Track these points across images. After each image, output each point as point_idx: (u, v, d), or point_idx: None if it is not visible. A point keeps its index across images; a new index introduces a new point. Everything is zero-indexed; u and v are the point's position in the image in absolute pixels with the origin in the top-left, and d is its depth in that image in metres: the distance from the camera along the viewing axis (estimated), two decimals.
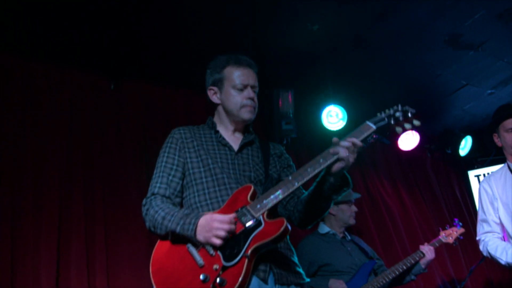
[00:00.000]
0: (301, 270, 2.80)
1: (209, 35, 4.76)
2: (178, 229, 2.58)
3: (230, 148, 2.98)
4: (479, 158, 8.02)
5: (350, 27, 4.97)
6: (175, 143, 2.96)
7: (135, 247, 4.62)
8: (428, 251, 4.96)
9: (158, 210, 2.73)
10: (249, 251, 2.46)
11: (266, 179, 2.94)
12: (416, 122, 2.83)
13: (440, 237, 5.21)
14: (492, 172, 4.38)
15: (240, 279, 2.41)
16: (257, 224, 2.55)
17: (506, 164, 4.19)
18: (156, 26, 4.58)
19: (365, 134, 2.75)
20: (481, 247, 4.20)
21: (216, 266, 2.47)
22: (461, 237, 5.26)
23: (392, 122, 2.84)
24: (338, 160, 2.60)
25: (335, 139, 2.64)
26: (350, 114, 5.93)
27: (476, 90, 6.52)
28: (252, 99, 2.97)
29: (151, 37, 4.71)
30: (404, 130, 2.84)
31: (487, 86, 6.48)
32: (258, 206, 2.60)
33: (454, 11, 4.90)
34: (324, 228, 5.11)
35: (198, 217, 2.58)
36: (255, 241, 2.49)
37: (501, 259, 3.94)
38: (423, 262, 4.93)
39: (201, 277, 2.43)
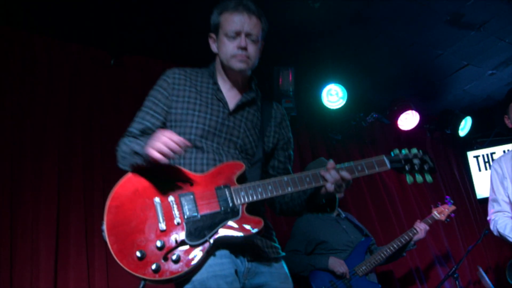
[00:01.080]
0: (276, 244, 2.65)
1: (208, 9, 4.63)
2: (137, 148, 2.35)
3: (225, 105, 2.66)
4: (478, 139, 7.97)
5: (350, 3, 4.90)
6: (165, 87, 2.64)
7: None
8: (422, 229, 4.98)
9: (127, 142, 2.47)
10: (213, 239, 2.31)
11: (255, 151, 2.69)
12: (429, 179, 2.72)
13: (432, 214, 5.24)
14: (503, 153, 4.44)
15: (195, 262, 2.26)
16: (234, 213, 2.38)
17: None
18: (155, 2, 4.49)
19: (377, 170, 2.65)
20: (491, 227, 4.21)
21: (175, 237, 2.27)
22: (453, 214, 5.31)
23: (407, 167, 2.69)
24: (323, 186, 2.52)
25: (331, 164, 2.53)
26: (350, 93, 5.88)
27: (477, 70, 6.45)
28: (243, 48, 2.60)
29: (150, 13, 4.65)
30: (414, 181, 2.71)
31: (488, 66, 6.41)
32: (242, 193, 2.42)
33: None
34: None
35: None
36: (225, 231, 2.34)
37: (510, 237, 3.97)
38: (414, 239, 4.95)
39: (158, 243, 2.24)
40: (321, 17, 4.92)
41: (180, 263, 2.25)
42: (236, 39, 2.61)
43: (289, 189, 2.48)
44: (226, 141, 2.60)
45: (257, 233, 2.36)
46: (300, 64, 5.66)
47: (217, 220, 2.34)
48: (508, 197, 4.11)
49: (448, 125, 7.28)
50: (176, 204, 2.34)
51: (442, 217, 5.21)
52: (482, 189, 7.64)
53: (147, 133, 2.53)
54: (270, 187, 2.46)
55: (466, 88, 6.94)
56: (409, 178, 2.69)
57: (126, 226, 2.28)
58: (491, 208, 4.24)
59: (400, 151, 2.74)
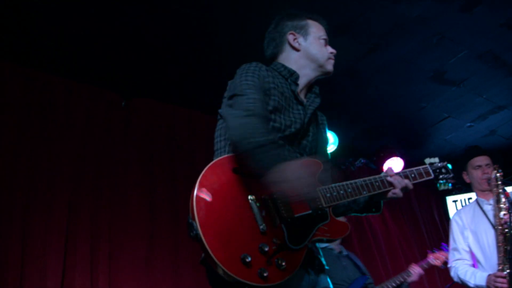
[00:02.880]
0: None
1: (215, 58, 4.77)
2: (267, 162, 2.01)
3: (305, 109, 2.46)
4: (457, 185, 7.99)
5: (343, 58, 4.91)
6: (262, 78, 2.35)
7: (136, 252, 4.61)
8: (417, 272, 5.01)
9: (262, 136, 2.05)
10: (312, 241, 2.13)
11: (323, 155, 2.55)
12: (447, 186, 2.86)
13: (428, 259, 5.23)
14: (462, 207, 4.59)
15: (298, 267, 2.04)
16: (323, 215, 2.20)
17: (475, 200, 4.35)
18: (164, 51, 4.63)
19: (425, 178, 2.69)
20: (452, 273, 4.30)
21: (276, 240, 2.00)
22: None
23: (441, 176, 2.81)
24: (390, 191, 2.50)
25: (392, 170, 2.54)
26: (340, 139, 5.95)
27: (456, 122, 6.56)
28: (333, 54, 2.60)
29: (161, 61, 4.75)
30: (446, 187, 2.86)
31: (467, 119, 6.52)
32: (328, 195, 2.22)
33: (439, 49, 4.98)
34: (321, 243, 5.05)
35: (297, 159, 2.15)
36: (319, 233, 2.15)
37: (470, 282, 4.01)
38: (408, 281, 4.98)
39: (263, 246, 1.95)
40: None
41: (284, 268, 1.98)
42: (327, 46, 2.60)
43: (364, 192, 2.37)
44: (302, 144, 2.43)
45: (345, 236, 2.27)
46: None
47: (311, 223, 2.15)
48: (468, 246, 4.21)
49: None
50: (272, 204, 2.08)
51: (438, 262, 5.19)
52: None
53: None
54: (349, 190, 2.32)
55: (447, 138, 7.03)
56: (444, 185, 2.81)
57: (224, 225, 1.96)
58: (452, 256, 4.33)
59: (433, 162, 2.80)
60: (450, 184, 2.85)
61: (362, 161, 6.77)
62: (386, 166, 6.81)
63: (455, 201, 7.86)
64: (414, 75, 5.39)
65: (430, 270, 6.91)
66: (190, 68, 4.88)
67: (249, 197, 2.04)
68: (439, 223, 7.87)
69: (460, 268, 4.17)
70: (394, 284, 4.84)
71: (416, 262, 5.25)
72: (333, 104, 5.69)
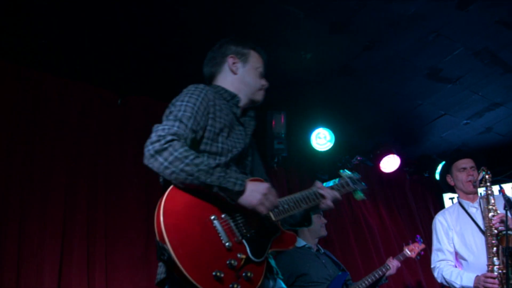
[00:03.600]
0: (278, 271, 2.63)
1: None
2: (218, 183, 2.14)
3: (246, 129, 2.64)
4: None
5: (339, 56, 5.01)
6: (206, 103, 2.43)
7: (132, 250, 4.60)
8: (394, 265, 5.10)
9: (185, 157, 2.14)
10: (269, 253, 2.33)
11: (259, 173, 2.71)
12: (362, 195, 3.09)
13: (403, 251, 5.32)
14: (445, 209, 4.61)
15: (261, 278, 2.20)
16: (274, 229, 2.40)
17: (458, 202, 4.40)
18: (161, 50, 4.61)
19: (347, 190, 2.94)
20: (435, 274, 4.29)
21: (241, 256, 2.15)
22: (422, 252, 5.36)
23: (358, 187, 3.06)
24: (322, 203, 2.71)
25: (320, 184, 2.75)
26: (337, 136, 5.95)
27: (453, 119, 6.53)
28: (265, 86, 2.79)
29: (156, 58, 4.73)
30: (361, 197, 3.08)
31: (463, 116, 6.49)
32: (276, 210, 2.37)
33: (435, 46, 4.95)
34: (300, 242, 5.05)
35: (246, 178, 2.26)
36: (274, 245, 2.36)
37: (456, 283, 4.01)
38: (386, 274, 5.05)
39: (231, 261, 2.09)
40: (312, 67, 5.04)
41: (251, 281, 2.14)
42: (261, 78, 2.79)
43: (304, 205, 2.57)
44: (244, 163, 2.59)
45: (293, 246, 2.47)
46: (292, 109, 5.73)
47: (266, 236, 2.34)
48: (453, 246, 4.21)
49: (426, 169, 7.39)
50: (232, 221, 2.23)
51: (413, 254, 5.28)
52: None
53: (192, 134, 2.30)
54: (292, 204, 2.49)
55: (443, 136, 7.01)
56: (359, 195, 3.03)
57: (192, 246, 2.04)
58: (435, 257, 4.32)
59: (345, 171, 3.06)
60: (362, 194, 3.07)
61: (359, 158, 6.76)
62: (382, 163, 6.82)
63: (451, 198, 7.83)
64: (410, 72, 5.36)
65: (411, 260, 6.99)
66: (187, 66, 4.84)
67: (211, 217, 2.17)
68: None
69: (444, 269, 4.16)
70: (374, 278, 4.88)
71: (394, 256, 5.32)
72: (329, 102, 5.72)
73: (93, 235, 4.46)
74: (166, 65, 4.83)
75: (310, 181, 6.83)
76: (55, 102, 4.63)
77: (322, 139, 5.96)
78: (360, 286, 4.76)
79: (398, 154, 6.77)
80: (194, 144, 2.33)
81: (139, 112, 5.15)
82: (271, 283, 2.43)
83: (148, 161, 2.21)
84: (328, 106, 5.79)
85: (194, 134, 2.31)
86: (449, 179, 4.47)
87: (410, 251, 5.29)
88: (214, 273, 2.02)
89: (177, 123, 2.26)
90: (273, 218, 2.34)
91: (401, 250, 5.39)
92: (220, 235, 2.14)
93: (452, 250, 4.22)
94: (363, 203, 6.96)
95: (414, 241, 5.40)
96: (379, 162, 6.83)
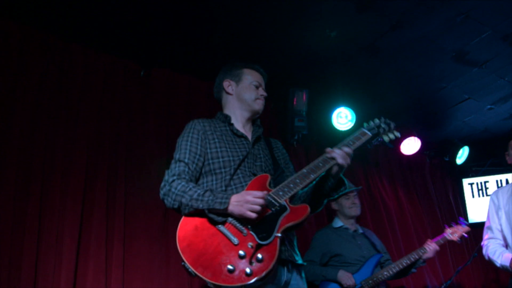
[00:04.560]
0: (297, 251, 2.89)
1: (234, 32, 4.75)
2: (207, 206, 2.60)
3: (246, 138, 3.07)
4: (474, 168, 7.98)
5: (365, 35, 4.96)
6: (197, 133, 2.98)
7: (151, 220, 4.65)
8: (431, 249, 4.89)
9: (182, 192, 2.71)
10: (280, 231, 2.55)
11: (275, 170, 3.04)
12: (397, 134, 3.27)
13: (445, 234, 5.05)
14: (502, 187, 4.52)
15: (276, 255, 2.47)
16: (282, 209, 2.64)
17: None
18: (186, 22, 4.59)
19: (364, 140, 3.06)
20: (483, 251, 4.33)
21: (251, 244, 2.50)
22: (466, 235, 5.10)
23: (381, 131, 3.18)
24: (335, 164, 2.86)
25: (329, 149, 2.88)
26: (358, 116, 5.92)
27: (476, 104, 6.48)
28: (263, 95, 3.18)
29: (181, 31, 4.72)
30: (390, 140, 3.22)
31: (487, 101, 6.44)
32: (281, 193, 2.68)
33: (462, 29, 4.89)
34: (337, 223, 5.17)
35: (229, 194, 2.64)
36: (285, 222, 2.58)
37: (497, 262, 4.11)
38: (423, 257, 4.90)
39: (241, 252, 2.47)
40: (336, 45, 5.00)
41: (265, 260, 2.45)
42: (258, 88, 3.17)
43: (312, 176, 2.78)
44: (254, 166, 2.95)
45: (307, 215, 2.64)
46: (314, 87, 5.72)
47: (274, 219, 2.60)
48: (501, 225, 4.21)
49: (447, 153, 7.35)
50: (236, 221, 2.59)
51: (455, 237, 5.00)
52: (474, 214, 7.65)
53: (194, 172, 2.88)
54: (298, 180, 2.75)
55: (465, 120, 6.97)
56: (385, 138, 3.20)
57: (206, 255, 2.49)
58: (485, 235, 4.35)
59: (368, 123, 3.19)
60: (396, 133, 3.23)
61: (379, 139, 6.71)
62: (403, 145, 6.79)
63: (471, 184, 7.83)
64: (436, 54, 5.29)
65: (443, 250, 6.96)
66: (212, 39, 4.87)
67: (217, 226, 2.60)
68: (454, 205, 7.84)
69: (490, 247, 4.20)
70: (408, 261, 4.81)
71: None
72: (352, 81, 5.69)
73: (113, 204, 4.51)
74: (189, 37, 4.82)
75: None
76: (79, 71, 4.66)
77: (343, 119, 5.93)
78: (393, 268, 4.74)
79: (419, 137, 6.73)
80: (200, 168, 2.91)
81: (161, 84, 5.16)
82: (288, 273, 2.74)
83: (162, 200, 2.85)
84: (351, 85, 5.75)
85: (195, 164, 2.88)
86: (507, 157, 4.34)
87: (452, 233, 5.03)
88: (226, 268, 2.43)
89: (177, 164, 2.88)
90: (280, 201, 2.65)
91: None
92: (228, 236, 2.55)
93: (500, 228, 4.25)
94: (381, 184, 6.95)
95: (457, 223, 5.13)
96: (399, 144, 6.82)
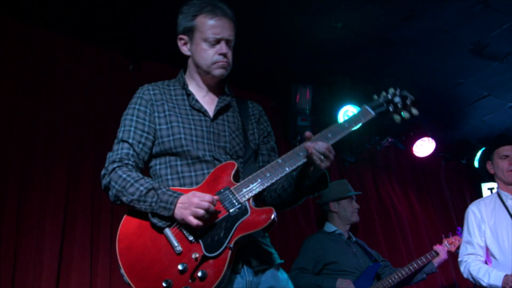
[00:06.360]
0: (273, 250, 2.53)
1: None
2: (150, 210, 2.28)
3: (205, 113, 2.61)
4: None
5: (374, 26, 4.91)
6: (145, 105, 2.57)
7: None
8: (442, 250, 5.02)
9: (122, 188, 2.36)
10: (233, 242, 2.20)
11: (246, 150, 2.63)
12: (415, 111, 2.69)
13: (443, 244, 5.22)
14: (482, 198, 4.55)
15: (222, 273, 2.15)
16: (243, 211, 2.28)
17: (496, 192, 4.34)
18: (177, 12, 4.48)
19: (364, 121, 2.59)
20: (462, 268, 4.26)
21: (195, 255, 2.18)
22: None
23: (391, 109, 2.67)
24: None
25: (308, 133, 2.41)
26: None
27: (497, 101, 6.41)
28: (224, 54, 2.58)
29: (172, 23, 4.60)
30: (403, 119, 2.66)
31: (509, 98, 6.37)
32: (244, 190, 2.33)
33: (481, 19, 4.83)
34: (330, 227, 5.10)
35: (176, 196, 2.29)
36: (240, 230, 2.23)
37: (483, 281, 3.99)
38: (436, 261, 4.98)
39: (180, 266, 2.15)
40: (343, 37, 4.96)
41: (209, 278, 2.15)
42: (216, 45, 2.57)
43: (287, 169, 2.37)
44: (215, 148, 2.54)
45: (271, 223, 2.24)
46: (319, 83, 5.65)
47: (229, 223, 2.25)
48: (484, 241, 4.17)
49: (464, 155, 7.37)
50: (183, 224, 2.26)
51: (453, 248, 5.15)
52: None
53: (140, 156, 2.51)
54: (268, 174, 2.36)
55: (485, 119, 6.90)
56: (396, 117, 2.67)
57: (143, 262, 2.22)
58: (464, 250, 4.29)
59: (378, 97, 2.70)
60: (413, 110, 2.69)
61: (390, 140, 6.64)
62: (416, 146, 6.70)
63: (490, 189, 7.69)
64: (452, 47, 5.24)
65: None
66: None
67: (164, 227, 2.28)
68: None
69: (472, 264, 4.13)
70: (416, 266, 4.85)
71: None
72: (360, 76, 5.63)
73: (98, 211, 4.46)
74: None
75: (334, 164, 6.81)
76: (62, 63, 4.61)
77: None
78: (398, 275, 4.74)
79: (433, 138, 6.62)
80: (149, 148, 2.54)
81: (151, 79, 5.06)
82: (249, 279, 2.37)
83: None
84: (358, 81, 5.69)
85: (142, 143, 2.51)
86: (489, 167, 4.38)
87: (449, 244, 5.19)
88: (163, 283, 2.14)
89: (120, 146, 2.50)
90: (241, 200, 2.31)
91: (438, 241, 5.31)
92: (171, 242, 2.24)
93: (483, 244, 4.18)
94: (392, 189, 6.89)
95: (454, 234, 5.31)
96: (411, 146, 6.71)
